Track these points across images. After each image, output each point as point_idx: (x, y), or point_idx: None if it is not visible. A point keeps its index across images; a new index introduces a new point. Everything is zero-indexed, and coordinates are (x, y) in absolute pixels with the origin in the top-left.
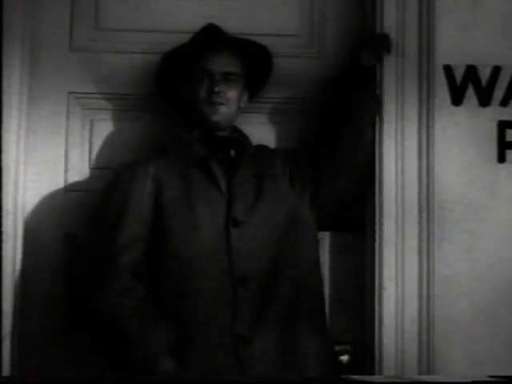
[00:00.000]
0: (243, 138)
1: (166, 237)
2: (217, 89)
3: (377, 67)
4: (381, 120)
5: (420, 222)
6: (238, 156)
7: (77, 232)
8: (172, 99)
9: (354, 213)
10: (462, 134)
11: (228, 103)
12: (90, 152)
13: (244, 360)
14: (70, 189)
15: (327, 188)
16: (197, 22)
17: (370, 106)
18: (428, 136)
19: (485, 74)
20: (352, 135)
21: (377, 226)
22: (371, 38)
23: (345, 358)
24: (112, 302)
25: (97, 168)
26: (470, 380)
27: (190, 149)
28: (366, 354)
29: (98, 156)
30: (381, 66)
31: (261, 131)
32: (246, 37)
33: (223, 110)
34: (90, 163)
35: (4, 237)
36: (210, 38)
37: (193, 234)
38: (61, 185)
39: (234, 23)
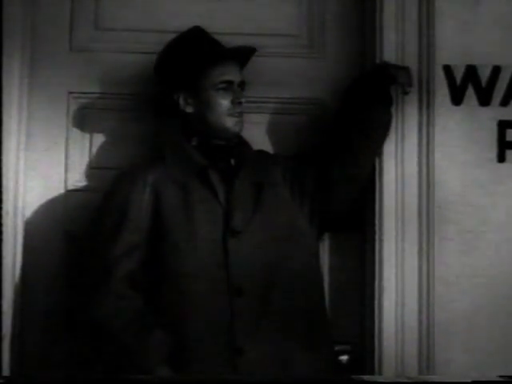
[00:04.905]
0: (243, 144)
1: (164, 246)
2: (243, 100)
3: None
4: None
5: (420, 222)
6: (237, 164)
7: (77, 232)
8: (172, 110)
9: (354, 213)
10: (462, 134)
11: (243, 113)
12: (90, 152)
13: (239, 371)
14: (70, 189)
15: (330, 204)
16: (197, 22)
17: (387, 122)
18: (428, 136)
19: (485, 74)
20: (365, 149)
21: (377, 226)
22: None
23: (345, 357)
24: (108, 311)
25: (97, 168)
26: (470, 380)
27: (189, 158)
28: (366, 354)
29: (98, 156)
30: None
31: (261, 131)
32: (247, 37)
33: (242, 120)
34: (90, 163)
35: (4, 237)
36: (215, 47)
37: (190, 243)
38: (61, 185)
39: (233, 23)
